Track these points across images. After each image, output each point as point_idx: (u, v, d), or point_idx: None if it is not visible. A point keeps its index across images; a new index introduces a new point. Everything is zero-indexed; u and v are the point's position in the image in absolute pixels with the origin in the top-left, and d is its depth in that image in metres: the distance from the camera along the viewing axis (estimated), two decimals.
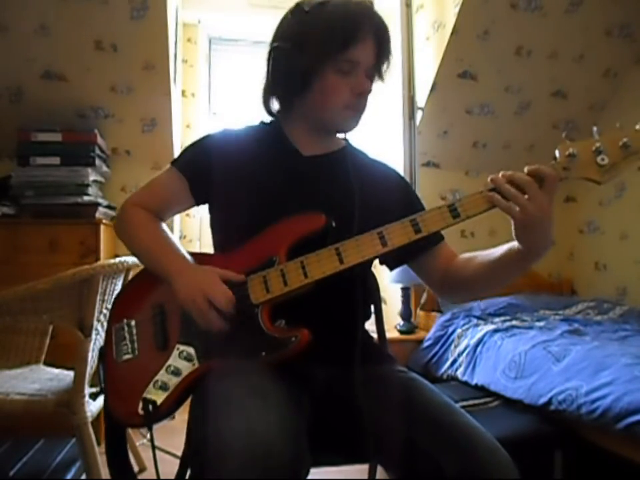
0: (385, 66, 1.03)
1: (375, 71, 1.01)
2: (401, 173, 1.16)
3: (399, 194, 1.08)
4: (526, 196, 0.80)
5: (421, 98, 2.67)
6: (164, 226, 1.05)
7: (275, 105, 1.06)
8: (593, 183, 0.86)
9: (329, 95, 0.97)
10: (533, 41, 2.54)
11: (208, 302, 0.85)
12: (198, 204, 1.07)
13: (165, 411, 0.88)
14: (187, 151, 1.08)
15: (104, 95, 2.45)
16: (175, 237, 1.03)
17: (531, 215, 0.80)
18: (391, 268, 1.12)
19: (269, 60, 1.00)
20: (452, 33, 2.43)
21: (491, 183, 0.83)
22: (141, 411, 0.87)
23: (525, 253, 0.86)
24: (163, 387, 0.88)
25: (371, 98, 1.03)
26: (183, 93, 3.00)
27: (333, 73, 0.96)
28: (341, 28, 0.94)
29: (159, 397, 0.88)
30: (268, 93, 1.04)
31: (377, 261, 1.06)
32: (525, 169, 0.83)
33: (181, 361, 0.90)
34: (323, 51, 0.94)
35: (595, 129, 0.87)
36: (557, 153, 0.86)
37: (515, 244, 0.87)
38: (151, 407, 0.87)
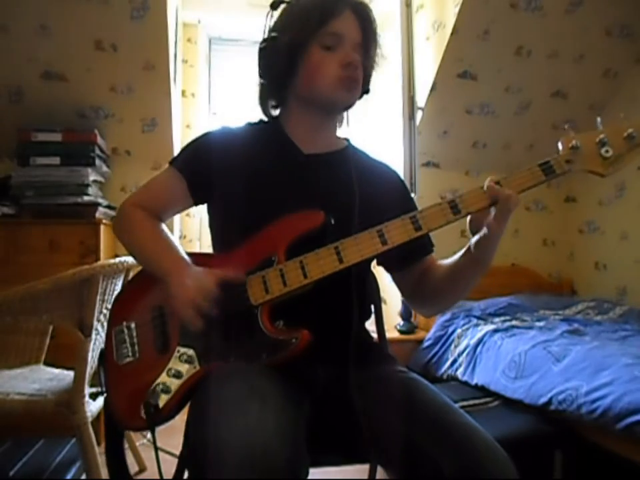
0: (372, 46, 1.02)
1: (363, 49, 1.00)
2: (401, 172, 1.16)
3: (397, 196, 1.08)
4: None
5: (421, 98, 2.67)
6: (162, 226, 1.04)
7: (273, 105, 1.07)
8: (596, 180, 0.85)
9: (317, 70, 0.97)
10: (533, 41, 2.54)
11: (196, 309, 0.85)
12: (196, 204, 1.06)
13: (167, 414, 0.88)
14: (185, 150, 1.07)
15: (104, 95, 2.45)
16: (173, 237, 1.02)
17: (503, 227, 0.83)
18: (389, 271, 1.10)
19: (259, 58, 1.02)
20: (452, 33, 2.43)
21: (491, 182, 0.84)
22: (143, 414, 0.87)
23: (479, 260, 0.89)
24: (165, 390, 0.88)
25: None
26: (183, 93, 3.00)
27: (318, 49, 0.97)
28: (318, 4, 0.96)
29: (161, 400, 0.88)
30: (264, 94, 1.06)
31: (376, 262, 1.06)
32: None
33: (181, 364, 0.89)
34: (303, 28, 0.96)
35: (598, 119, 0.85)
36: (559, 145, 0.85)
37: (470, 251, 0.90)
38: (152, 409, 0.87)
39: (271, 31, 1.02)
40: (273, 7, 1.02)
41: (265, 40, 1.01)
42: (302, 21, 0.97)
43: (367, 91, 1.07)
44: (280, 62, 0.98)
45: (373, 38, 1.02)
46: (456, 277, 0.95)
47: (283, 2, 1.02)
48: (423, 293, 1.04)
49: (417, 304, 1.10)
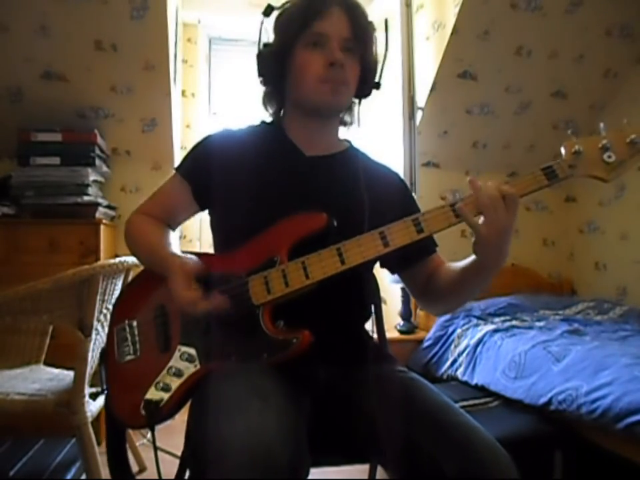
0: (368, 38, 1.00)
1: (352, 44, 0.98)
2: (401, 173, 1.16)
3: (398, 197, 1.08)
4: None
5: (421, 98, 2.67)
6: (165, 229, 1.04)
7: (275, 109, 1.07)
8: (597, 181, 0.85)
9: (302, 70, 0.98)
10: (532, 41, 2.54)
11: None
12: (202, 209, 1.06)
13: (167, 412, 0.88)
14: (188, 156, 1.08)
15: (104, 95, 2.45)
16: (172, 238, 1.02)
17: (495, 231, 0.81)
18: (393, 272, 1.11)
19: (256, 65, 1.03)
20: (452, 33, 2.43)
21: (471, 185, 0.83)
22: (142, 412, 0.87)
23: (480, 266, 0.88)
24: (165, 388, 0.88)
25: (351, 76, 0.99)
26: (183, 93, 3.00)
27: (304, 49, 0.97)
28: (305, 5, 0.97)
29: (161, 398, 0.88)
30: (265, 99, 1.07)
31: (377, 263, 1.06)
32: (489, 184, 0.82)
33: (182, 362, 0.90)
34: (288, 31, 0.98)
35: (601, 125, 0.85)
36: (562, 150, 0.85)
37: (474, 256, 0.88)
38: (152, 407, 0.87)
39: (263, 34, 1.02)
40: (265, 14, 1.02)
41: (258, 47, 1.02)
42: (287, 25, 0.98)
43: (376, 86, 1.06)
44: (271, 68, 1.01)
45: (366, 30, 1.00)
46: (461, 280, 0.94)
47: (274, 8, 1.02)
48: (431, 293, 1.04)
49: (424, 304, 1.11)
